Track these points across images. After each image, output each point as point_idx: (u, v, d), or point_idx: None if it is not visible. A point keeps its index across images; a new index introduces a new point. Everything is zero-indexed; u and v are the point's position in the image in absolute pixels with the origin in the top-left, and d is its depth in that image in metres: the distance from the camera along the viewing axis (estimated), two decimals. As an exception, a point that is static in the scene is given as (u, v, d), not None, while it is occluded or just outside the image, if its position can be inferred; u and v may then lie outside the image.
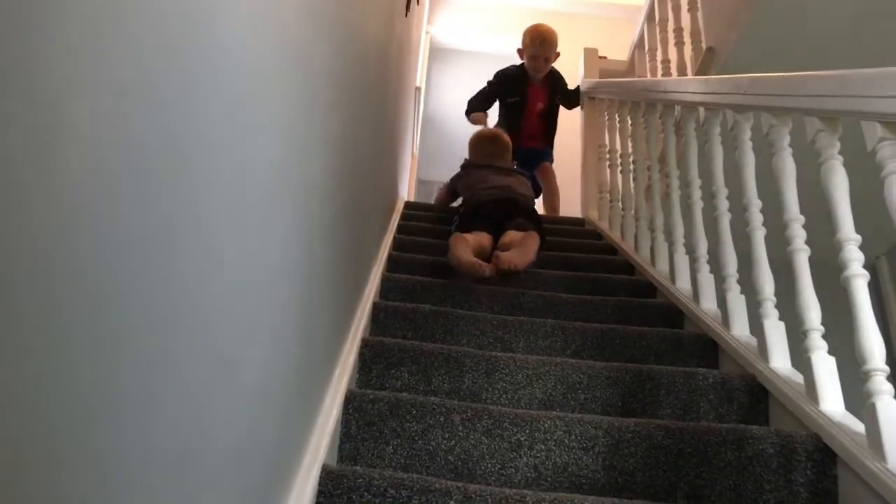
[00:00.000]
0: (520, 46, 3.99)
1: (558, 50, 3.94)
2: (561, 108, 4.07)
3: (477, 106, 3.96)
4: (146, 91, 0.45)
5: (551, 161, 4.01)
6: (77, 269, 0.38)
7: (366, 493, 1.16)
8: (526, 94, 3.93)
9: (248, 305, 0.74)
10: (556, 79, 4.01)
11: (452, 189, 3.37)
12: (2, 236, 0.31)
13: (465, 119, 3.98)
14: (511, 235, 2.57)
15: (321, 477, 1.16)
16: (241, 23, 0.64)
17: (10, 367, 0.33)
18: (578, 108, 4.33)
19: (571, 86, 4.20)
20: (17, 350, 0.33)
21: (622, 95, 3.51)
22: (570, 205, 4.47)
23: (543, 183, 3.98)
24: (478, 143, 3.30)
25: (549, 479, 1.41)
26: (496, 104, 4.01)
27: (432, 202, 3.74)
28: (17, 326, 0.33)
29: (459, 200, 3.29)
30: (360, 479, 1.18)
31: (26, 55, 0.32)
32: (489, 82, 4.01)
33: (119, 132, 0.41)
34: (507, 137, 3.27)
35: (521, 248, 2.41)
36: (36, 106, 0.33)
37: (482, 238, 2.56)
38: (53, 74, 0.34)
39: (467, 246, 2.39)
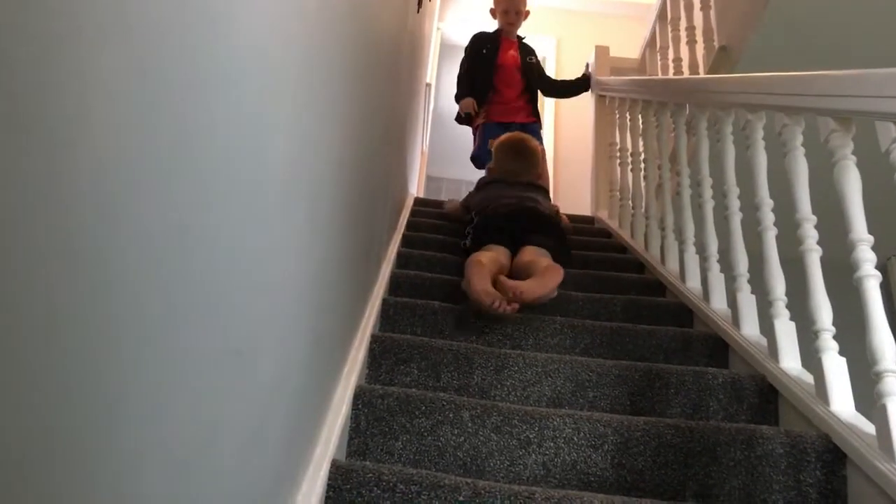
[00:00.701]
0: (492, 6, 3.99)
1: (528, 8, 3.95)
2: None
3: (464, 84, 3.91)
4: (163, 88, 0.45)
5: (541, 140, 3.94)
6: (92, 263, 0.38)
7: (375, 488, 1.16)
8: (498, 43, 3.90)
9: (261, 302, 0.74)
10: (527, 46, 4.00)
11: (466, 205, 3.11)
12: (23, 231, 0.31)
13: None
14: (529, 253, 2.33)
15: (331, 472, 1.17)
16: (259, 19, 0.64)
17: (20, 362, 0.33)
18: (591, 107, 4.33)
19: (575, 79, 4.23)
20: (27, 345, 0.33)
21: (633, 94, 3.50)
22: (580, 203, 4.47)
23: None
24: (501, 154, 2.99)
25: (557, 476, 1.41)
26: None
27: (443, 206, 3.59)
28: (27, 321, 0.33)
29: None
30: (370, 474, 1.18)
31: (43, 52, 0.32)
32: (465, 49, 3.98)
33: (135, 127, 0.42)
34: (534, 144, 3.02)
35: (538, 280, 2.09)
36: (54, 103, 0.33)
37: (500, 255, 2.32)
38: (72, 72, 0.34)
39: (485, 273, 2.07)
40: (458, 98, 3.91)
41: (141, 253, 0.43)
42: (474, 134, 3.89)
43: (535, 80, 3.93)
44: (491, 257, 2.23)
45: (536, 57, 4.04)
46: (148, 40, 0.42)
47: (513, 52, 3.91)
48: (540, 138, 3.86)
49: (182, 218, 0.49)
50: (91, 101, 0.36)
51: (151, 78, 0.43)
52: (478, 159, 3.87)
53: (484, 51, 3.89)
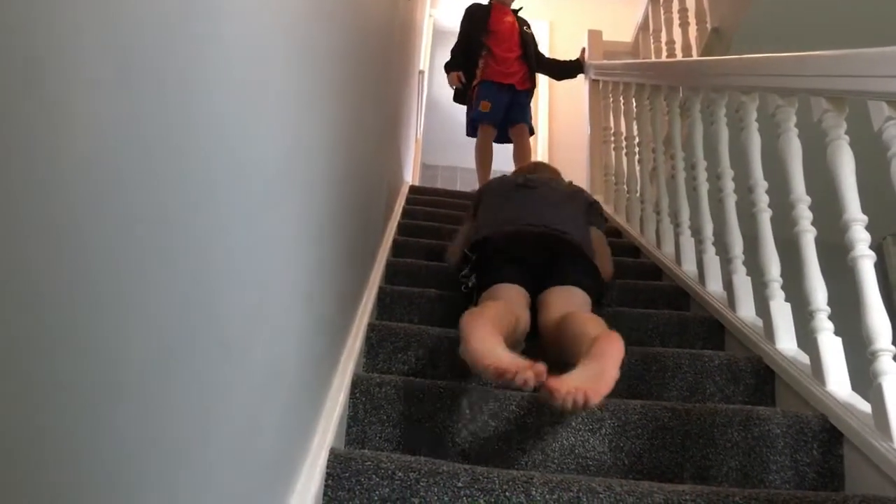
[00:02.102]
0: None
1: None
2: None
3: (454, 55, 3.96)
4: (152, 81, 0.45)
5: (530, 127, 3.96)
6: (84, 256, 0.38)
7: (374, 476, 1.16)
8: (489, 10, 3.93)
9: (255, 291, 0.74)
10: (523, 19, 4.01)
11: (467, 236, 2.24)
12: (18, 223, 0.31)
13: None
14: (560, 300, 1.74)
15: (329, 460, 1.17)
16: (245, 6, 0.64)
17: (13, 358, 0.33)
18: (585, 92, 4.32)
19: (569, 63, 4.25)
20: (19, 339, 0.33)
21: (627, 77, 3.49)
22: (575, 188, 4.45)
23: (517, 143, 3.90)
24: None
25: (556, 460, 1.42)
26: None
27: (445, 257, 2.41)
28: (17, 315, 0.33)
29: None
30: (368, 462, 1.18)
31: (34, 47, 0.32)
32: (460, 24, 4.00)
33: (124, 120, 0.41)
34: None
35: (595, 365, 1.30)
36: (44, 99, 0.33)
37: (513, 300, 1.73)
38: (62, 66, 0.34)
39: (490, 329, 1.40)
40: (447, 69, 3.96)
41: (130, 246, 0.43)
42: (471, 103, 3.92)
43: (532, 50, 3.96)
44: (498, 312, 1.57)
45: (531, 29, 4.07)
46: (131, 32, 0.42)
47: (509, 19, 3.94)
48: (528, 119, 3.88)
49: (172, 210, 0.49)
50: (75, 97, 0.36)
51: (135, 71, 0.42)
52: (471, 122, 3.92)
53: (477, 14, 3.94)
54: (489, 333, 1.37)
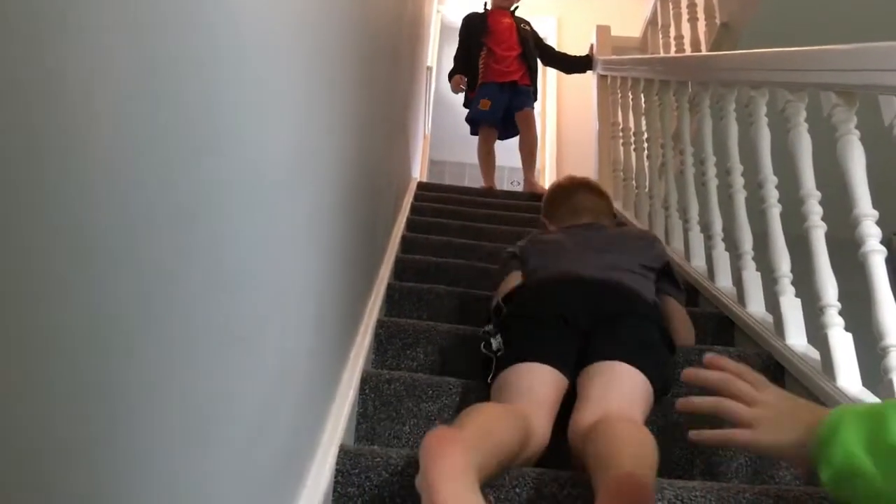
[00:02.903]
0: None
1: None
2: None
3: (456, 61, 4.04)
4: (168, 75, 0.45)
5: (533, 108, 4.01)
6: (97, 245, 0.38)
7: (383, 472, 1.16)
8: (486, 14, 4.01)
9: (265, 287, 0.74)
10: (520, 18, 4.07)
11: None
12: (35, 210, 0.31)
13: None
14: (594, 394, 1.26)
15: (339, 456, 1.17)
16: (260, 4, 0.64)
17: (18, 352, 0.33)
18: (593, 87, 4.32)
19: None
20: (27, 331, 0.33)
21: (635, 73, 3.48)
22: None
23: (522, 129, 3.93)
24: (553, 196, 1.99)
25: (566, 456, 1.42)
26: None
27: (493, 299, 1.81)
28: (27, 305, 0.33)
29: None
30: (378, 459, 1.18)
31: (53, 40, 0.32)
32: (459, 32, 4.07)
33: (139, 113, 0.42)
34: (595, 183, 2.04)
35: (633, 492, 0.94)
36: (62, 89, 0.33)
37: (535, 398, 1.27)
38: (80, 56, 0.34)
39: (461, 465, 0.88)
40: (449, 76, 4.04)
41: (145, 241, 0.43)
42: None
43: (531, 47, 4.00)
44: (494, 427, 1.08)
45: (531, 26, 4.12)
46: (149, 23, 0.42)
47: (507, 20, 3.99)
48: (532, 105, 3.91)
49: (187, 205, 0.49)
50: (92, 93, 0.36)
51: (152, 64, 0.43)
52: (471, 121, 3.99)
53: (475, 18, 4.01)
54: (460, 471, 0.88)
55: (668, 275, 1.73)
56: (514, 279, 1.67)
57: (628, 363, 1.31)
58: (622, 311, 1.43)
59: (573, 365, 1.35)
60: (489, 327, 1.50)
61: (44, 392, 0.34)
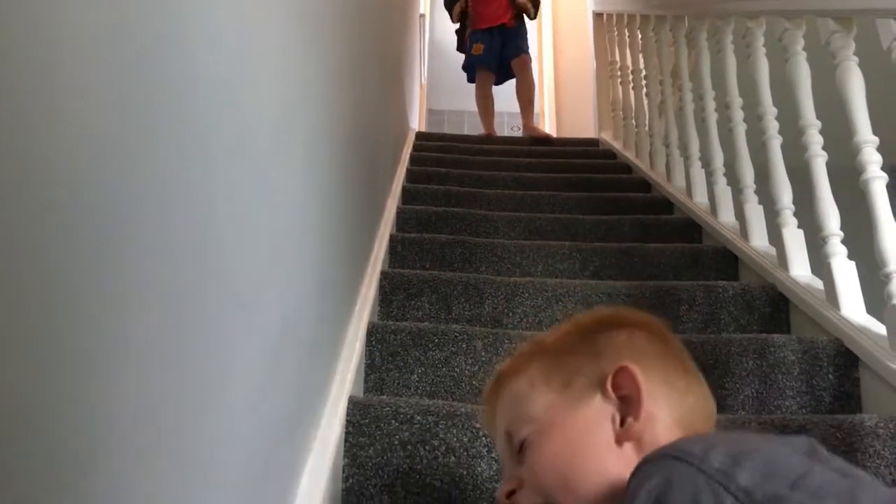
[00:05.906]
0: None
1: None
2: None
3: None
4: (143, 31, 0.44)
5: (528, 52, 3.99)
6: (88, 200, 0.38)
7: (393, 421, 1.18)
8: None
9: (264, 241, 0.74)
10: None
11: None
12: (24, 177, 0.31)
13: None
14: None
15: (349, 408, 1.19)
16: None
17: (15, 308, 0.33)
18: (589, 27, 4.27)
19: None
20: (21, 289, 0.34)
21: (631, 8, 3.42)
22: (583, 125, 4.42)
23: (519, 76, 3.94)
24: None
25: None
26: None
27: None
28: (22, 267, 0.33)
29: None
30: (387, 408, 1.20)
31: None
32: None
33: (119, 67, 0.41)
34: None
35: None
36: (31, 51, 0.33)
37: None
38: (50, 18, 0.34)
39: None
40: (446, 7, 4.07)
41: (132, 190, 0.43)
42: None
43: None
44: None
45: None
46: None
47: None
48: (526, 48, 3.89)
49: (174, 161, 0.49)
50: (62, 59, 0.36)
51: (127, 22, 0.42)
52: (468, 67, 4.01)
53: None
54: None
55: None
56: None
57: None
58: None
59: None
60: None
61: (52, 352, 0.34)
